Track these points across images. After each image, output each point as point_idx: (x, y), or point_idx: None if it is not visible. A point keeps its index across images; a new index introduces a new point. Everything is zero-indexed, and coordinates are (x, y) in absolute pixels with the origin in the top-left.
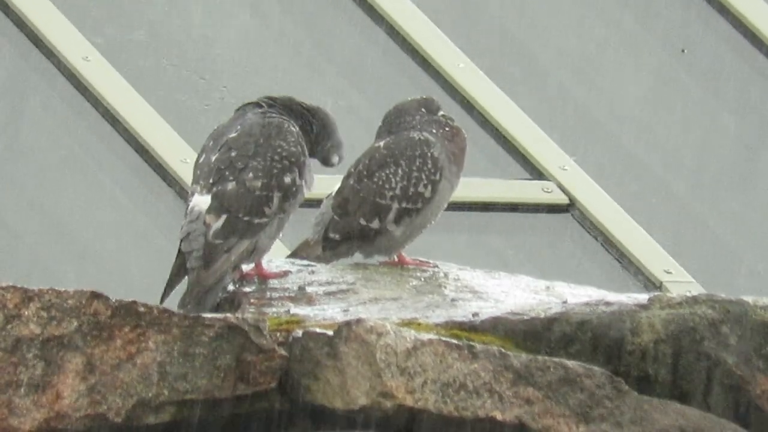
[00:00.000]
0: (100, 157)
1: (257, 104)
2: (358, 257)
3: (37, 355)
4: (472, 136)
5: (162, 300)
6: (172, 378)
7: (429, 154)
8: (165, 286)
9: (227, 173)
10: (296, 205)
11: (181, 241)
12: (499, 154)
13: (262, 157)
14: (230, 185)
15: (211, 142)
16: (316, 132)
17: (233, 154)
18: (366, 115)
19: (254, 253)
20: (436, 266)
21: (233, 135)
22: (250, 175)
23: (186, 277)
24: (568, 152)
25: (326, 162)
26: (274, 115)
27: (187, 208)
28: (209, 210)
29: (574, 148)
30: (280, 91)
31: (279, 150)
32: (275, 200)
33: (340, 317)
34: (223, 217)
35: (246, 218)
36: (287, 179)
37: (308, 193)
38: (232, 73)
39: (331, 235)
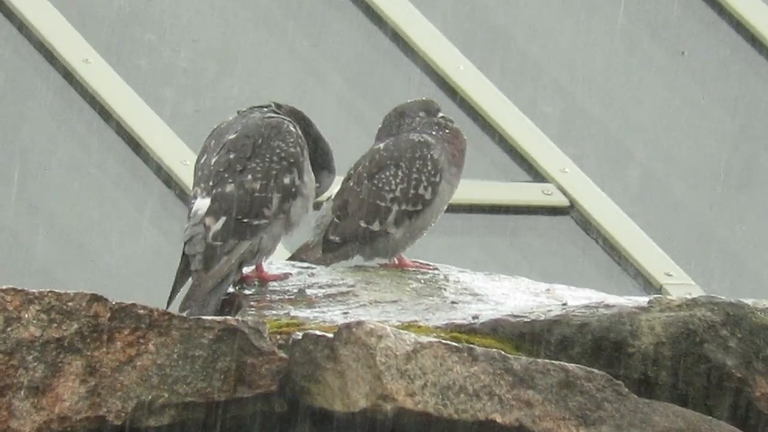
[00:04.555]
0: (100, 159)
1: (262, 106)
2: (358, 260)
3: (37, 358)
4: (472, 139)
5: (169, 303)
6: (171, 380)
7: (429, 156)
8: (171, 289)
9: (226, 175)
10: (306, 206)
11: (185, 243)
12: (499, 157)
13: (261, 159)
14: (229, 187)
15: (212, 142)
16: (315, 149)
17: (232, 156)
18: (366, 117)
19: (258, 254)
20: (436, 269)
21: (232, 137)
22: (249, 176)
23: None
24: (568, 154)
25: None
26: (273, 115)
27: (189, 211)
28: (208, 212)
29: (574, 151)
30: (281, 93)
31: (278, 151)
32: (275, 201)
33: (340, 320)
34: (222, 218)
35: (245, 220)
36: (286, 180)
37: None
38: (232, 75)
39: (331, 237)
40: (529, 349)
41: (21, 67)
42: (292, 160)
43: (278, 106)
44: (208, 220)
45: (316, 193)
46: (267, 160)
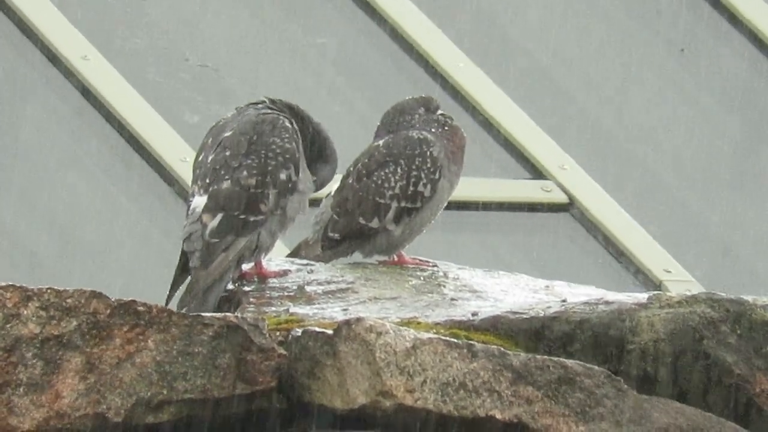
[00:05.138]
0: (100, 156)
1: (258, 103)
2: (357, 256)
3: (37, 355)
4: (472, 136)
5: (167, 301)
6: (171, 377)
7: (428, 153)
8: (170, 286)
9: (222, 172)
10: (303, 202)
11: (184, 241)
12: (499, 154)
13: (256, 155)
14: (225, 184)
15: (210, 140)
16: (311, 144)
17: (228, 153)
18: (365, 114)
19: (257, 251)
20: (436, 265)
21: (228, 134)
22: (245, 173)
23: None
24: (567, 151)
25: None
26: (268, 111)
27: (188, 209)
28: (205, 209)
29: (573, 148)
30: (280, 90)
31: (273, 147)
32: (271, 197)
33: (340, 316)
34: (219, 215)
35: (242, 216)
36: (282, 176)
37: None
38: (232, 72)
39: (331, 234)
40: (528, 346)
41: (20, 64)
42: (287, 156)
43: (272, 101)
44: (205, 218)
45: (315, 186)
46: (263, 156)
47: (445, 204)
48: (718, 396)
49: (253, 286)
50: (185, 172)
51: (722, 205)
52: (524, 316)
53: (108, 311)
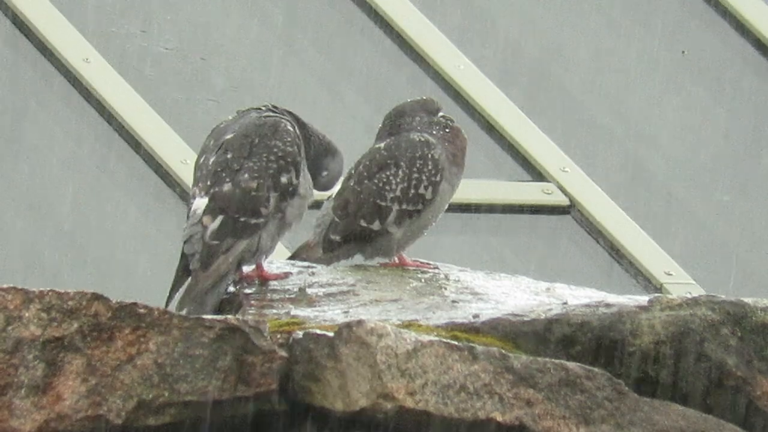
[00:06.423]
0: (101, 159)
1: (260, 107)
2: (358, 259)
3: (38, 357)
4: (473, 138)
5: (167, 303)
6: (172, 379)
7: (429, 156)
8: (170, 288)
9: (224, 175)
10: (303, 206)
11: (184, 243)
12: (500, 156)
13: (258, 158)
14: (226, 186)
15: (212, 142)
16: (312, 148)
17: (229, 155)
18: (366, 116)
19: (257, 253)
20: (437, 268)
21: (230, 136)
22: (246, 175)
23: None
24: (568, 154)
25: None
26: (270, 114)
27: (189, 211)
28: (206, 211)
29: (574, 150)
30: (281, 92)
31: (275, 150)
32: (272, 200)
33: (341, 319)
34: (219, 218)
35: (242, 219)
36: (283, 179)
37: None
38: (233, 74)
39: (332, 236)
40: (529, 348)
41: (21, 67)
42: (289, 159)
43: (274, 106)
44: (205, 220)
45: (327, 180)
46: (264, 159)
47: (446, 206)
48: (718, 398)
49: (253, 289)
50: (186, 174)
51: (723, 208)
52: (525, 319)
53: (109, 313)
